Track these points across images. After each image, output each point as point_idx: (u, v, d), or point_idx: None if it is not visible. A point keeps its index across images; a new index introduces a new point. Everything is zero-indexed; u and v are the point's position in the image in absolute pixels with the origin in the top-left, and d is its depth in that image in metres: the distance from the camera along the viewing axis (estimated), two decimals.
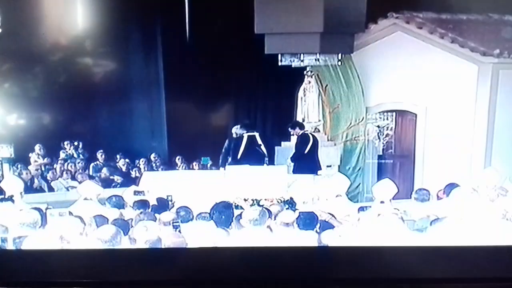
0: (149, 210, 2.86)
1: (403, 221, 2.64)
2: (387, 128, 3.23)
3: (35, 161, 2.96)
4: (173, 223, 2.60)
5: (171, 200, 2.95)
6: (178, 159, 3.20)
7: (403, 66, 3.02)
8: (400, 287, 2.28)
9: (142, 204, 2.87)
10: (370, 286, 2.31)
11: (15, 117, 2.68)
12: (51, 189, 3.06)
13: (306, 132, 3.16)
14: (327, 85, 3.20)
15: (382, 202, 2.82)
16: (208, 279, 2.29)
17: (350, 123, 3.21)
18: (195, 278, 2.30)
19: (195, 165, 3.21)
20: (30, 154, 2.94)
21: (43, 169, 3.03)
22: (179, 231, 2.60)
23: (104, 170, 3.10)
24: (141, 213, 2.79)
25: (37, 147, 2.94)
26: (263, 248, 2.39)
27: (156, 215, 2.76)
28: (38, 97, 2.69)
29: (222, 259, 2.35)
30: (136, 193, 2.91)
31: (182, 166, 3.19)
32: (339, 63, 3.06)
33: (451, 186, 2.90)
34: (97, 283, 2.27)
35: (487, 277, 2.25)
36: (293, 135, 3.20)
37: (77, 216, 2.68)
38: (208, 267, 2.31)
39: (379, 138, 3.23)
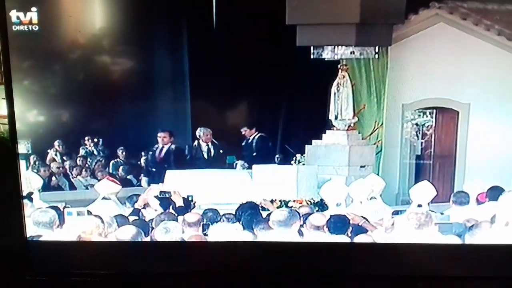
0: (171, 210, 2.78)
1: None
2: (426, 126, 3.04)
3: (53, 157, 2.85)
4: (203, 224, 2.59)
5: (191, 200, 2.84)
6: None
7: (445, 60, 2.83)
8: (415, 285, 2.40)
9: (163, 205, 2.78)
10: (385, 282, 2.41)
11: (33, 113, 2.62)
12: (71, 187, 2.96)
13: (262, 134, 2.99)
14: (354, 84, 3.05)
15: (419, 205, 2.73)
16: (226, 271, 2.43)
17: (374, 127, 3.06)
18: (214, 270, 2.44)
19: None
20: (48, 151, 2.82)
21: (62, 166, 2.92)
22: (205, 234, 2.56)
23: (125, 168, 3.00)
24: (161, 213, 2.72)
25: (56, 143, 2.83)
26: (279, 243, 2.46)
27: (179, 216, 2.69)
28: (59, 93, 2.63)
29: (240, 253, 2.47)
30: (162, 193, 2.82)
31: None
32: (376, 56, 2.88)
33: (495, 190, 2.78)
34: (117, 275, 2.45)
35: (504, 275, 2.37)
36: (245, 135, 3.02)
37: (96, 215, 2.65)
38: (227, 260, 2.44)
39: (417, 137, 3.04)
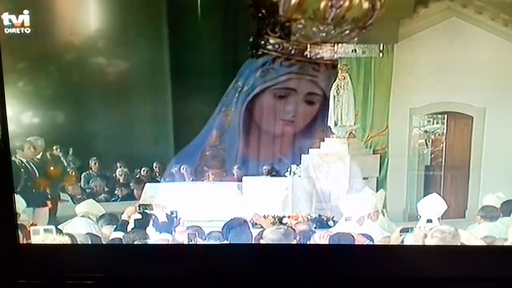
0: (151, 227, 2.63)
1: None
2: (437, 133, 2.82)
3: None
4: (188, 234, 2.55)
5: (176, 217, 2.66)
6: (184, 168, 2.84)
7: (458, 59, 2.64)
8: (412, 286, 2.41)
9: (141, 223, 2.63)
10: (379, 284, 2.42)
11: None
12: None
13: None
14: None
15: (429, 220, 2.59)
16: (221, 274, 2.45)
17: (368, 135, 2.87)
18: (211, 272, 2.46)
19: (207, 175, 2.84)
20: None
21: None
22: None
23: (98, 181, 2.79)
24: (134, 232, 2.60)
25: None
26: (271, 245, 2.48)
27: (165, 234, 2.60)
28: (29, 97, 2.57)
29: (235, 255, 2.50)
30: (140, 207, 2.67)
31: (190, 177, 2.84)
32: (381, 54, 2.66)
33: (510, 204, 2.62)
34: (108, 277, 2.44)
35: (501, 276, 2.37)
36: None
37: (67, 234, 2.54)
38: (222, 263, 2.47)
39: (426, 145, 2.82)
